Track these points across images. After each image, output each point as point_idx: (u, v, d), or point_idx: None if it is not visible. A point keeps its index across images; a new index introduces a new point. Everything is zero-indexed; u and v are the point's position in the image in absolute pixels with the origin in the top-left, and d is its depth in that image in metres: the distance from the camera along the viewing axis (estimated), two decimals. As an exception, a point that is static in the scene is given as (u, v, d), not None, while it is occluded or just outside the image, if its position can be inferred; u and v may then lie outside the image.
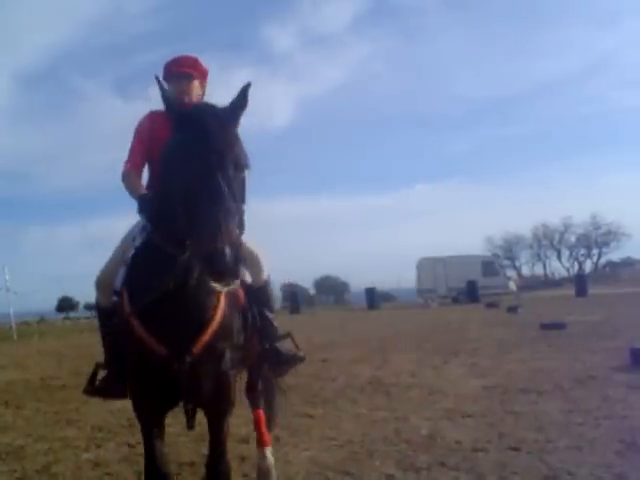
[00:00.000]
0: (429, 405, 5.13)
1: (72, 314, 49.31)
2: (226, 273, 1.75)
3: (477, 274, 29.39)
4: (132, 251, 2.43)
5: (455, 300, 29.13)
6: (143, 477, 3.50)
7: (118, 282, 2.49)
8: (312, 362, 7.11)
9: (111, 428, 4.91)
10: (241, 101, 2.09)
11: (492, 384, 5.88)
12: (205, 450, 3.20)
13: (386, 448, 3.87)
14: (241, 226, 1.92)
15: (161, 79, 2.28)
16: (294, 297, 31.77)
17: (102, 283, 2.61)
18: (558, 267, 54.67)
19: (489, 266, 30.61)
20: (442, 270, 30.40)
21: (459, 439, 3.93)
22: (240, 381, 2.88)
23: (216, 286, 1.86)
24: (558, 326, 10.87)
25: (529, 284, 42.86)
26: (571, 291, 27.34)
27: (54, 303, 52.23)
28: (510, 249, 54.07)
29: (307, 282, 52.63)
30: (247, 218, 1.97)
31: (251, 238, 2.73)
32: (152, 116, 2.73)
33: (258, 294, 2.74)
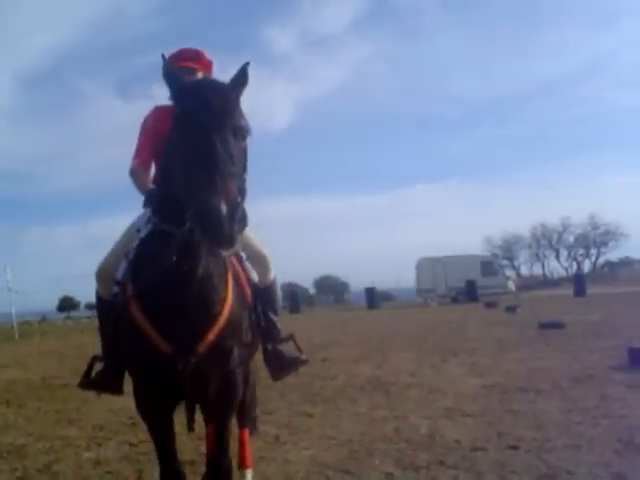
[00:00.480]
0: (428, 404, 5.14)
1: (73, 314, 49.21)
2: (222, 234, 1.65)
3: (476, 274, 29.42)
4: (136, 242, 2.38)
5: (454, 300, 29.16)
6: (144, 475, 3.55)
7: (120, 273, 2.45)
8: (312, 361, 7.06)
9: (112, 427, 4.92)
10: (241, 78, 2.05)
11: (491, 383, 5.90)
12: (205, 449, 3.24)
13: (386, 447, 3.88)
14: (242, 192, 1.84)
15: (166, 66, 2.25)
16: (294, 297, 31.76)
17: (103, 274, 2.57)
18: (557, 267, 54.83)
19: (488, 266, 30.65)
20: (441, 270, 30.42)
21: (458, 438, 3.95)
22: None
23: (216, 251, 1.77)
24: (557, 326, 10.88)
25: (528, 284, 42.94)
26: (569, 291, 27.34)
27: (55, 303, 52.23)
28: (509, 249, 54.14)
29: (307, 282, 52.71)
30: (250, 216, 1.88)
31: (261, 236, 2.74)
32: (157, 112, 2.74)
33: (264, 294, 2.70)
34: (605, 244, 52.39)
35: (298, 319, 20.69)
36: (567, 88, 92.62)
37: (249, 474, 3.28)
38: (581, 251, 54.22)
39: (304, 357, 2.94)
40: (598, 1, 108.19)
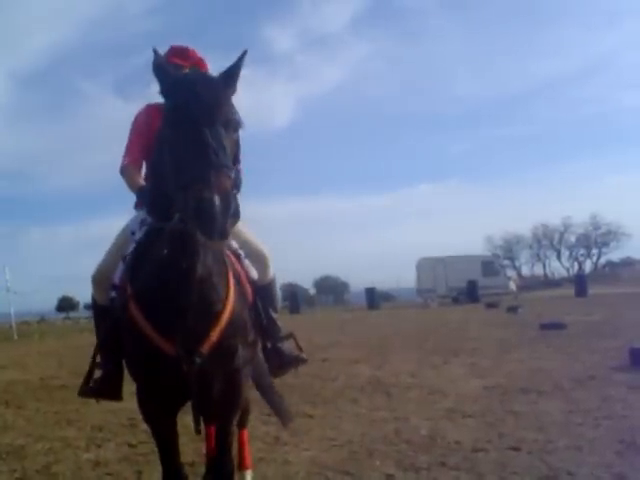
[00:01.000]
0: (429, 405, 5.13)
1: (72, 314, 49.20)
2: (215, 226, 1.63)
3: (477, 274, 29.40)
4: (132, 245, 2.35)
5: (455, 300, 29.13)
6: (143, 476, 3.54)
7: (117, 277, 2.42)
8: (312, 362, 7.06)
9: (111, 428, 4.91)
10: (235, 67, 2.03)
11: (492, 384, 5.88)
12: (205, 449, 3.23)
13: (386, 448, 3.87)
14: (236, 185, 1.82)
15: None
16: (294, 297, 31.75)
17: (99, 278, 2.54)
18: (558, 267, 54.83)
19: (489, 266, 30.62)
20: (442, 270, 30.40)
21: (459, 439, 3.94)
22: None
23: (208, 243, 1.74)
24: (558, 326, 10.87)
25: (529, 284, 42.90)
26: (571, 291, 27.34)
27: (54, 303, 52.21)
28: (510, 249, 54.13)
29: (307, 282, 52.72)
30: (248, 215, 1.91)
31: (261, 236, 2.72)
32: (148, 109, 2.72)
33: (263, 292, 2.69)
34: (606, 244, 52.44)
35: (298, 319, 20.67)
36: (569, 88, 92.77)
37: (249, 475, 3.27)
38: (582, 251, 54.29)
39: (304, 356, 2.93)
40: (600, 1, 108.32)
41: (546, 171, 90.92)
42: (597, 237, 52.41)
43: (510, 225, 69.86)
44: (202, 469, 3.16)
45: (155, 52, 2.06)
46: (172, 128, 1.87)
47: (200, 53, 2.76)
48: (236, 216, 1.70)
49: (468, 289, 28.36)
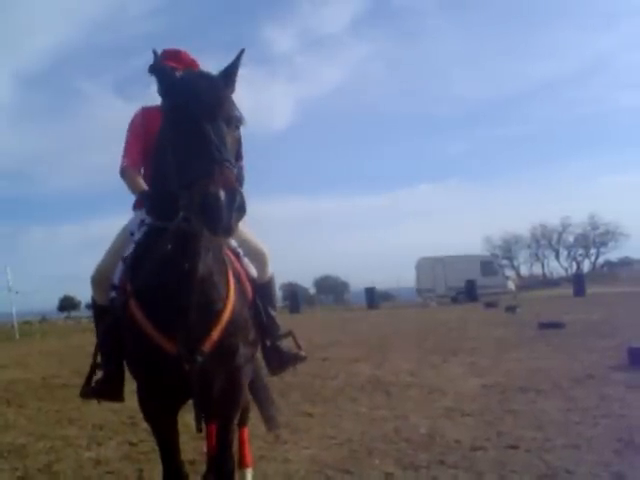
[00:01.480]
0: (428, 404, 5.15)
1: (74, 314, 49.00)
2: (221, 221, 1.62)
3: (476, 274, 29.40)
4: (131, 246, 2.36)
5: (454, 300, 29.13)
6: (144, 475, 3.55)
7: (116, 277, 2.42)
8: (312, 361, 7.11)
9: (112, 426, 4.92)
10: (233, 67, 2.03)
11: (491, 383, 5.90)
12: (205, 448, 3.25)
13: (386, 446, 3.88)
14: (240, 180, 1.82)
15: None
16: (294, 296, 31.72)
17: (99, 278, 2.54)
18: (556, 267, 54.79)
19: (488, 266, 30.62)
20: (441, 270, 30.41)
21: (458, 438, 3.95)
22: None
23: (214, 239, 1.74)
24: (556, 325, 10.89)
25: (527, 284, 42.92)
26: (569, 291, 27.33)
27: (56, 303, 52.02)
28: (509, 249, 54.10)
29: (307, 282, 52.59)
30: (248, 214, 1.84)
31: (261, 236, 2.73)
32: (145, 112, 2.72)
33: (262, 290, 2.69)
34: (605, 244, 52.41)
35: (298, 319, 20.68)
36: (566, 89, 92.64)
37: (249, 473, 3.28)
38: (581, 251, 54.24)
39: (303, 354, 2.93)
40: (597, 3, 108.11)
41: (544, 171, 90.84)
42: (595, 237, 52.41)
43: (509, 225, 69.71)
44: (203, 467, 3.17)
45: (154, 53, 2.08)
46: (174, 127, 1.88)
47: (192, 54, 2.76)
48: (241, 210, 1.69)
49: (467, 289, 28.37)
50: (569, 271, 51.14)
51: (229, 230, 1.69)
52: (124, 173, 2.61)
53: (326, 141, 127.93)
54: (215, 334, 2.18)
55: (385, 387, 6.05)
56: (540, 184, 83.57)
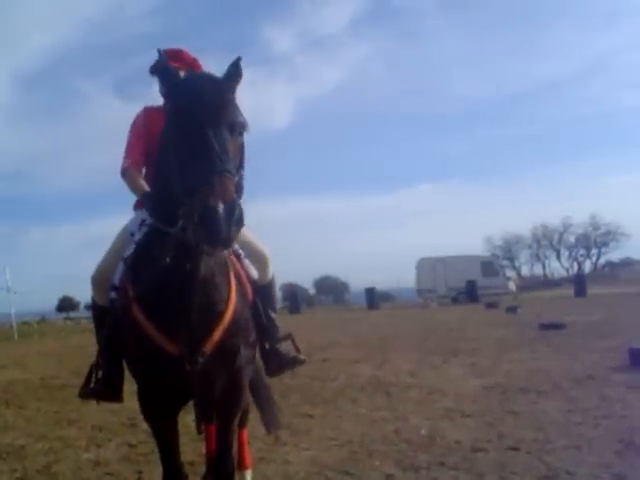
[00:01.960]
0: (429, 405, 5.13)
1: (73, 314, 48.97)
2: (219, 235, 1.62)
3: (476, 274, 29.37)
4: (132, 246, 2.35)
5: (455, 300, 29.12)
6: (143, 476, 3.54)
7: (117, 278, 2.41)
8: (312, 362, 7.11)
9: (111, 428, 4.91)
10: (235, 72, 1.99)
11: (491, 384, 5.89)
12: (205, 449, 3.23)
13: (386, 448, 3.87)
14: (239, 190, 1.81)
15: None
16: (294, 297, 31.71)
17: (99, 279, 2.53)
18: (557, 267, 54.73)
19: (488, 266, 30.60)
20: (442, 270, 30.38)
21: (458, 439, 3.94)
22: None
23: (211, 252, 1.72)
24: (557, 326, 10.87)
25: (528, 284, 42.87)
26: (570, 291, 27.33)
27: (55, 303, 51.95)
28: (509, 249, 54.07)
29: (307, 282, 52.56)
30: (249, 214, 1.84)
31: (260, 236, 2.72)
32: (147, 112, 2.72)
33: (263, 292, 2.68)
34: (606, 244, 52.37)
35: (298, 320, 20.67)
36: (568, 88, 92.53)
37: (249, 475, 3.27)
38: (582, 251, 54.19)
39: (302, 357, 2.92)
40: (598, 2, 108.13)
41: (545, 171, 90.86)
42: (596, 237, 52.36)
43: (510, 225, 69.71)
44: (202, 469, 3.17)
45: (159, 52, 2.06)
46: (176, 130, 1.86)
47: (193, 53, 2.75)
48: (240, 223, 1.69)
49: (467, 289, 28.35)
50: (570, 271, 51.12)
51: (227, 243, 1.69)
52: (125, 173, 2.60)
53: (326, 141, 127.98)
54: (216, 335, 2.17)
55: (385, 388, 6.04)
56: (541, 184, 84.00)
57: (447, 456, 3.59)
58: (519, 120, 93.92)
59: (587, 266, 53.76)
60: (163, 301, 2.10)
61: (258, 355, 2.82)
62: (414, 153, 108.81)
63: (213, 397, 2.32)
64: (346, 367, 7.75)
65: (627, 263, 53.44)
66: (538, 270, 55.05)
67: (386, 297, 42.41)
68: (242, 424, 3.27)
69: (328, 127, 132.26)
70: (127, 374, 2.50)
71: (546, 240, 53.98)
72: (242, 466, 3.23)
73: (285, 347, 2.85)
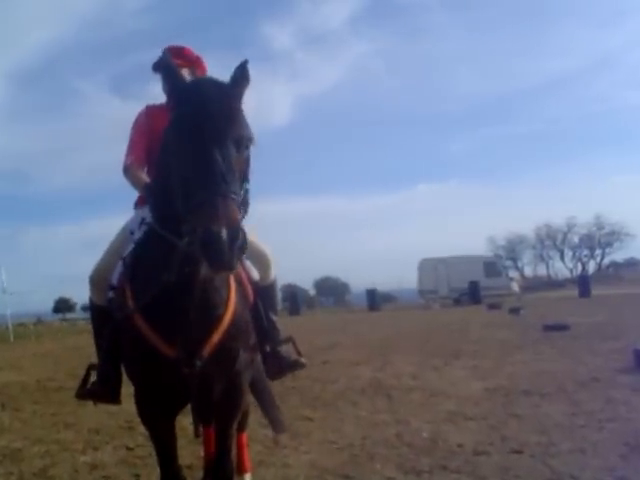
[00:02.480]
0: (430, 408, 5.09)
1: (69, 315, 48.99)
2: (223, 260, 1.60)
3: (479, 275, 29.29)
4: (131, 245, 2.32)
5: (457, 301, 29.05)
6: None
7: (115, 278, 2.39)
8: (312, 364, 7.06)
9: (108, 430, 4.88)
10: (242, 78, 1.92)
11: (494, 386, 5.84)
12: (203, 452, 3.19)
13: (387, 451, 3.83)
14: (244, 206, 1.79)
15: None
16: (294, 298, 31.67)
17: (97, 278, 2.51)
18: (561, 268, 54.52)
19: (491, 267, 30.51)
20: (444, 271, 30.32)
21: (461, 442, 3.89)
22: None
23: (214, 274, 1.70)
24: (561, 327, 10.81)
25: (532, 285, 42.74)
26: (574, 292, 27.27)
27: (51, 304, 51.96)
28: (513, 249, 53.95)
29: (307, 283, 52.56)
30: (250, 215, 1.85)
31: (260, 237, 2.67)
32: (149, 110, 2.70)
33: (264, 294, 2.64)
34: (610, 245, 52.16)
35: (298, 321, 20.65)
36: (574, 86, 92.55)
37: (248, 478, 3.25)
38: (586, 252, 53.99)
39: (303, 360, 2.88)
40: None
41: (549, 170, 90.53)
42: (601, 237, 52.15)
43: (513, 225, 69.58)
44: (200, 472, 3.13)
45: (163, 52, 2.05)
46: (179, 142, 1.80)
47: (196, 52, 2.73)
48: (243, 249, 1.66)
49: (470, 290, 28.26)
50: (574, 272, 50.94)
51: (230, 268, 1.67)
52: (128, 170, 2.56)
53: (326, 140, 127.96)
54: (215, 338, 2.14)
55: (386, 391, 5.99)
56: (545, 183, 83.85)
57: (449, 460, 3.55)
58: (523, 118, 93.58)
59: (591, 266, 53.65)
60: (162, 303, 2.06)
61: (259, 358, 2.78)
62: (415, 152, 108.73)
63: (212, 400, 2.29)
64: (347, 369, 7.71)
65: (632, 263, 53.25)
66: (542, 271, 54.92)
67: (387, 298, 42.34)
68: (242, 428, 3.24)
69: (328, 125, 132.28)
70: (125, 377, 2.45)
71: (550, 240, 53.81)
72: (241, 470, 3.21)
73: (286, 350, 2.81)
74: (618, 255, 53.65)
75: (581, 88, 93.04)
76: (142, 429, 2.59)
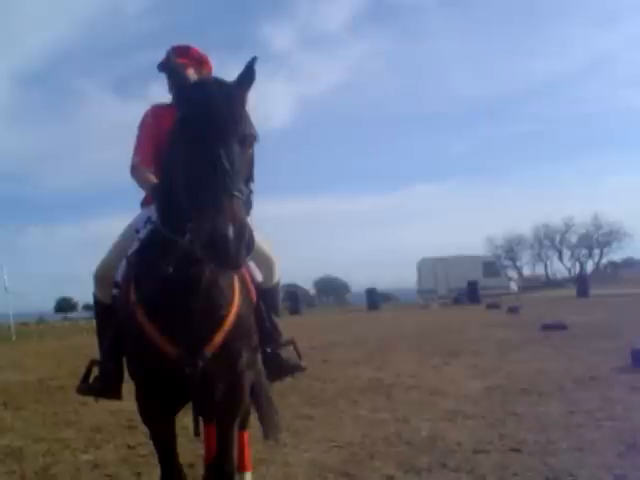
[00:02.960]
0: (430, 406, 5.10)
1: (71, 315, 48.90)
2: (229, 258, 1.59)
3: (478, 274, 29.37)
4: (136, 244, 2.32)
5: (456, 301, 29.04)
6: (142, 478, 3.52)
7: (119, 275, 2.40)
8: (312, 363, 7.07)
9: (110, 429, 4.89)
10: (248, 76, 1.92)
11: (493, 385, 5.86)
12: (203, 451, 3.20)
13: (386, 449, 3.85)
14: (248, 205, 1.79)
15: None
16: (294, 298, 31.66)
17: (102, 275, 2.52)
18: (559, 267, 54.71)
19: (490, 266, 30.60)
20: (443, 270, 30.38)
21: (460, 440, 3.91)
22: None
23: (221, 273, 1.70)
24: (559, 327, 10.85)
25: (530, 284, 42.82)
26: (572, 292, 27.29)
27: (53, 304, 51.90)
28: (511, 249, 54.07)
29: (307, 283, 52.55)
30: (253, 215, 1.84)
31: (264, 238, 2.69)
32: (155, 110, 2.70)
33: (267, 296, 2.64)
34: (608, 244, 52.31)
35: (298, 320, 20.65)
36: (571, 87, 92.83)
37: (248, 477, 3.24)
38: (584, 251, 54.13)
39: (303, 364, 2.87)
40: (599, 1, 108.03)
41: (548, 171, 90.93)
42: (599, 237, 52.30)
43: (511, 225, 69.72)
44: (201, 470, 3.14)
45: (168, 52, 2.05)
46: (184, 142, 1.81)
47: (202, 51, 2.75)
48: (250, 247, 1.65)
49: (469, 289, 28.30)
50: (572, 272, 51.09)
51: (236, 267, 1.67)
52: (135, 170, 2.56)
53: (326, 140, 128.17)
54: (218, 338, 2.15)
55: (386, 389, 6.01)
56: (543, 183, 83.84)
57: (448, 458, 3.56)
58: (521, 118, 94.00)
59: (589, 266, 53.76)
60: (166, 302, 2.08)
61: (260, 359, 2.79)
62: (415, 152, 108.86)
63: (213, 400, 2.30)
64: (346, 368, 7.73)
65: (629, 263, 53.38)
66: (540, 270, 55.07)
67: (387, 298, 42.37)
68: (243, 426, 3.24)
69: (328, 126, 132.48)
70: (126, 374, 2.46)
71: (548, 240, 53.98)
72: (242, 468, 3.20)
73: (286, 353, 2.80)
74: (616, 255, 53.87)
75: (579, 88, 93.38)
76: (143, 428, 2.59)
